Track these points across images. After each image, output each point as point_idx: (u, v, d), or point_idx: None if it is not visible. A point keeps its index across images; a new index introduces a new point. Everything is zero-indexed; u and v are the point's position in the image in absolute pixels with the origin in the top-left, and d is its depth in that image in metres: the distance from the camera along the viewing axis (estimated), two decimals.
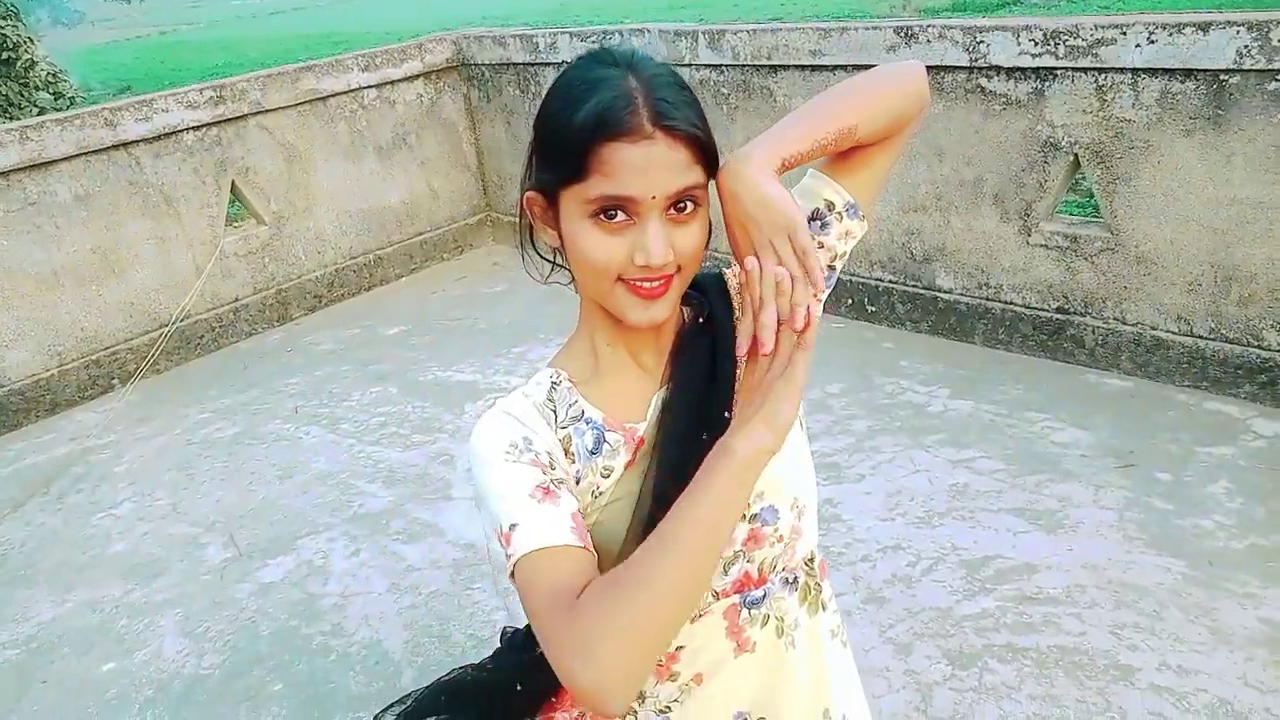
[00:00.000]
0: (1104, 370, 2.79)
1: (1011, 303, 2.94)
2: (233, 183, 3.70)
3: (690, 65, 3.42)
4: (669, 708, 0.95)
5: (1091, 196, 2.90)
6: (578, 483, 0.88)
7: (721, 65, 3.34)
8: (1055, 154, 2.69)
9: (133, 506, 2.75)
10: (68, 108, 9.78)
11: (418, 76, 4.17)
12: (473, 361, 3.37)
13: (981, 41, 2.69)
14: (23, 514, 2.79)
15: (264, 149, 3.76)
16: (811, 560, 0.99)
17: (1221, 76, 2.35)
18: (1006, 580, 2.05)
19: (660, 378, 0.94)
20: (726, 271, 0.98)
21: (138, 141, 3.43)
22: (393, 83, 4.09)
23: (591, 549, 0.81)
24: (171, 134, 3.51)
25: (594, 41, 3.72)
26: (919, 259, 3.11)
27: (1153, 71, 2.45)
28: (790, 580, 0.95)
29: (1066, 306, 2.83)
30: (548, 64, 3.97)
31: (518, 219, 0.94)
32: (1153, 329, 2.69)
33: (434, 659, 2.01)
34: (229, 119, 3.64)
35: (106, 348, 3.49)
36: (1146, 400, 2.64)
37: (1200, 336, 2.61)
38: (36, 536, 2.67)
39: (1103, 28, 2.49)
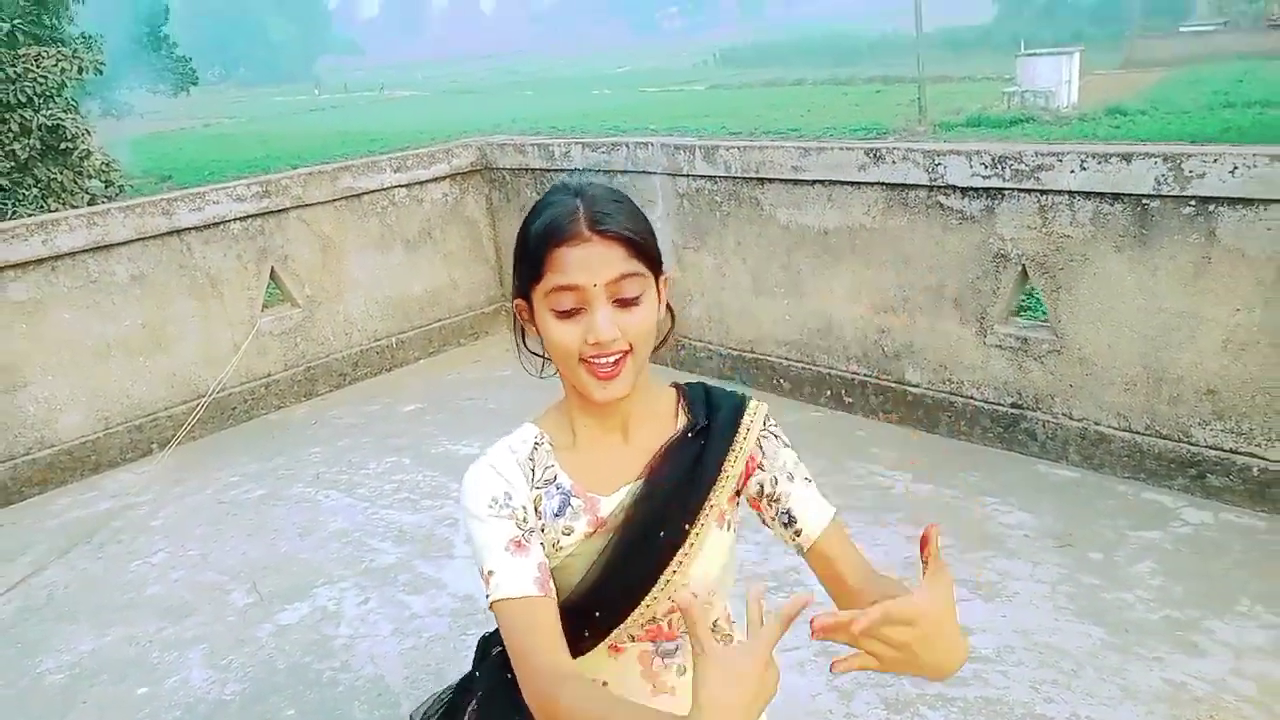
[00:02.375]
0: (1053, 461, 3.05)
1: (971, 397, 3.23)
2: (272, 268, 4.08)
3: (688, 175, 3.80)
4: None
5: (1040, 301, 3.21)
6: (542, 531, 1.07)
7: (715, 176, 3.71)
8: (1006, 264, 3.02)
9: (166, 556, 3.03)
10: (117, 194, 10.40)
11: (445, 178, 4.59)
12: (480, 437, 3.67)
13: (939, 164, 3.04)
14: (67, 560, 3.07)
15: (302, 239, 4.15)
16: (716, 623, 1.17)
17: (1144, 200, 2.69)
18: None
19: (639, 469, 1.10)
20: (752, 404, 1.15)
21: (190, 229, 3.82)
22: (422, 183, 4.51)
23: (551, 593, 1.02)
24: (220, 223, 3.90)
25: (604, 151, 4.13)
26: (890, 355, 3.41)
27: (1086, 194, 2.79)
28: (678, 638, 1.14)
29: (1020, 402, 3.11)
30: (562, 170, 4.37)
31: (512, 323, 1.14)
32: (1096, 424, 2.96)
33: (429, 692, 2.25)
34: (272, 211, 4.04)
35: (149, 414, 3.81)
36: (1090, 489, 2.90)
37: (1137, 432, 2.88)
38: (80, 580, 2.94)
39: (1042, 154, 2.84)
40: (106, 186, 9.97)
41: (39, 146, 9.41)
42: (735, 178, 3.65)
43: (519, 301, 1.09)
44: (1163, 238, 2.68)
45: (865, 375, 3.50)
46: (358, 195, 4.28)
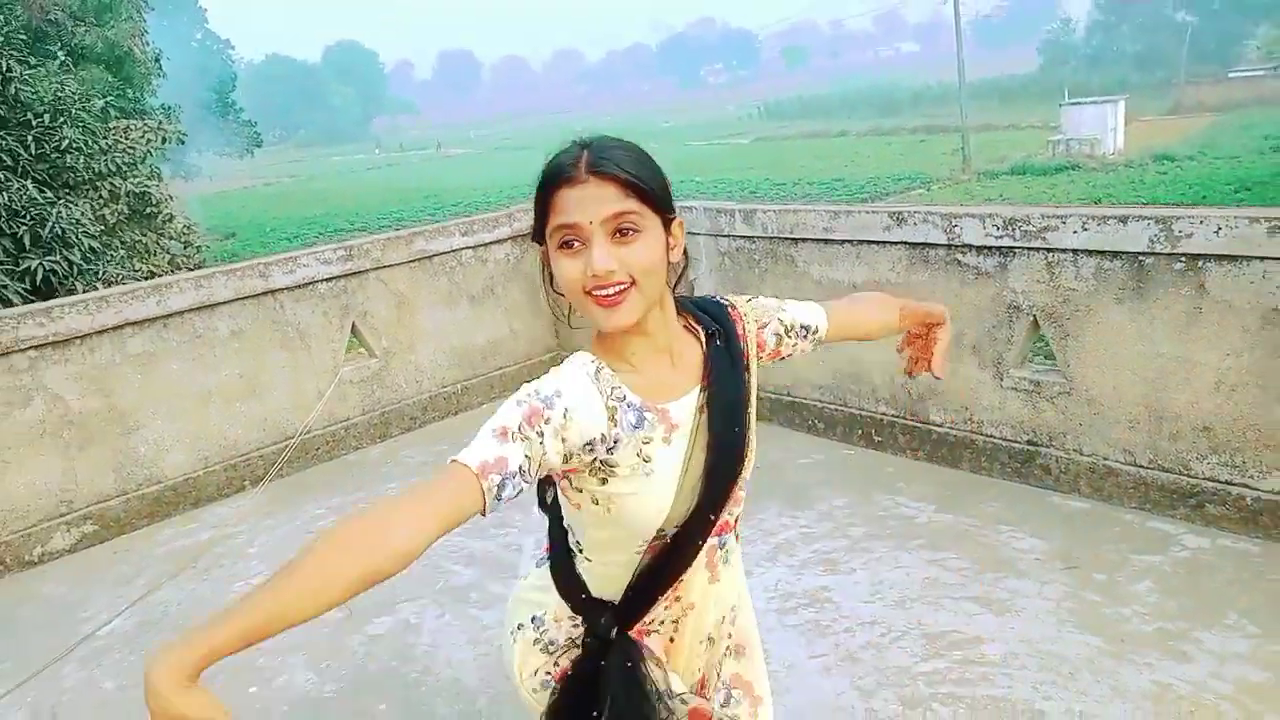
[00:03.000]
0: (1065, 493, 3.32)
1: (990, 435, 3.51)
2: (353, 323, 4.51)
3: (729, 235, 4.17)
4: (674, 635, 1.37)
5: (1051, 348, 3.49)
6: (614, 445, 1.16)
7: (754, 236, 4.08)
8: (1018, 315, 3.32)
9: (264, 578, 3.40)
10: (194, 254, 11.09)
11: (506, 239, 5.01)
12: None
13: (956, 225, 3.37)
14: (177, 583, 3.47)
15: (380, 297, 4.59)
16: (737, 516, 1.40)
17: (1140, 257, 2.98)
18: (957, 648, 2.56)
19: (692, 380, 1.24)
20: (729, 299, 1.36)
21: (283, 289, 4.27)
22: (486, 244, 4.94)
23: (488, 497, 1.07)
24: (309, 284, 4.35)
25: None
26: (915, 398, 3.71)
27: (1088, 252, 3.09)
28: (734, 529, 1.40)
29: (1034, 440, 3.39)
30: None
31: (540, 269, 1.25)
32: (1104, 459, 3.23)
33: (501, 691, 2.58)
34: (354, 272, 4.48)
35: (243, 454, 4.23)
36: (1098, 518, 3.16)
37: (1141, 466, 3.14)
38: (190, 599, 3.33)
39: (1048, 217, 3.15)
40: (185, 247, 10.65)
41: (126, 211, 10.10)
42: (772, 238, 4.01)
43: (541, 249, 1.21)
44: (1158, 290, 2.97)
45: (893, 416, 3.80)
46: (429, 257, 4.72)
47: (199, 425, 4.11)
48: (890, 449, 3.83)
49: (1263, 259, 2.73)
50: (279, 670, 2.82)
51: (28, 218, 8.07)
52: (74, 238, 8.39)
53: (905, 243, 3.53)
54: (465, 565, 3.33)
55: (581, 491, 1.24)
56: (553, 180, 1.14)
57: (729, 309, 1.37)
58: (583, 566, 1.35)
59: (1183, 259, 2.89)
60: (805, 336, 1.47)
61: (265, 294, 4.22)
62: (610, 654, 1.33)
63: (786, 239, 3.94)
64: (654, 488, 1.22)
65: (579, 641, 1.37)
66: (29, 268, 7.99)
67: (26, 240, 8.03)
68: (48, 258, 8.12)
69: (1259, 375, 2.83)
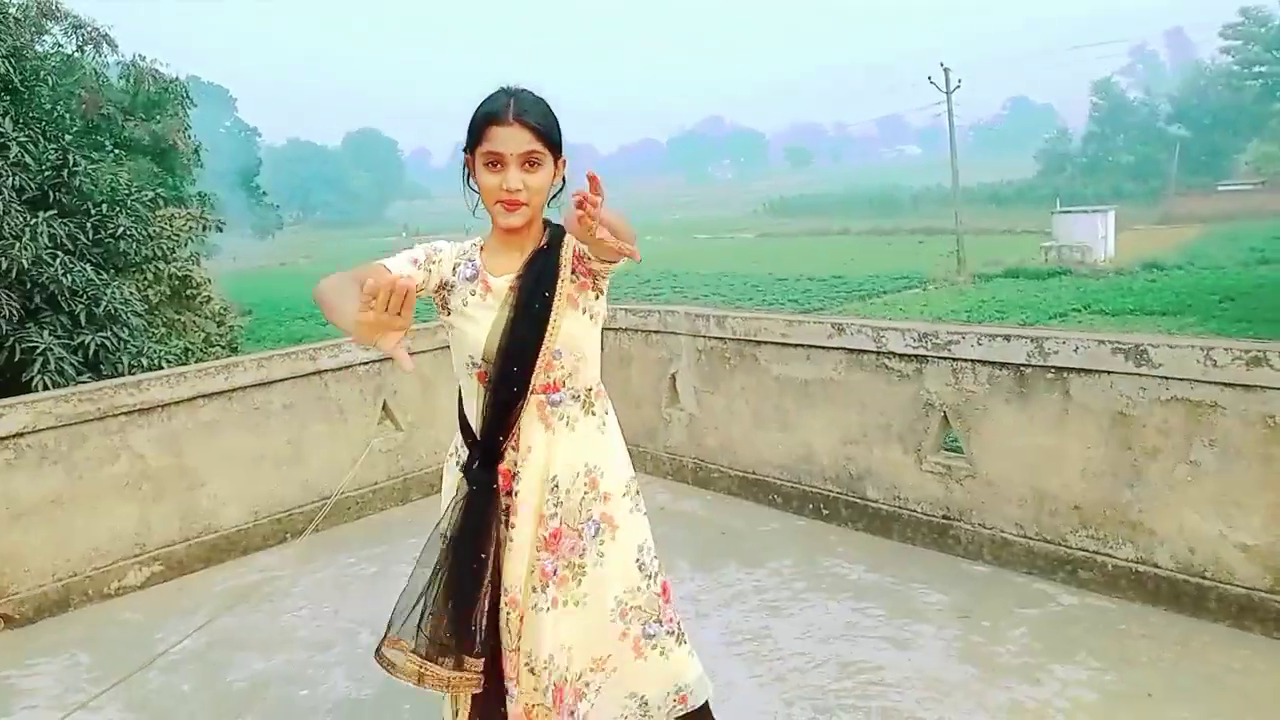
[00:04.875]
0: (972, 559, 4.02)
1: (914, 510, 4.23)
2: (384, 401, 5.28)
3: (705, 336, 4.96)
4: (517, 472, 1.96)
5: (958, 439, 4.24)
6: (450, 287, 1.94)
7: (725, 338, 4.86)
8: (932, 411, 4.08)
9: (308, 611, 4.10)
10: (229, 334, 11.95)
11: None
12: None
13: (883, 336, 4.15)
14: (233, 613, 4.15)
15: (407, 379, 5.36)
16: (590, 390, 2.02)
17: (1021, 368, 3.75)
18: (863, 673, 3.24)
19: (518, 269, 1.92)
20: (568, 236, 1.93)
21: (328, 370, 5.04)
22: None
23: (402, 275, 1.61)
24: (349, 366, 5.13)
25: (642, 315, 5.32)
26: (855, 477, 4.44)
27: (984, 362, 3.86)
28: (575, 395, 2.00)
29: (948, 514, 4.11)
30: (607, 328, 5.57)
31: (463, 173, 1.90)
32: (1001, 531, 3.94)
33: None
34: (387, 358, 5.25)
35: (286, 510, 4.95)
36: (995, 580, 3.86)
37: (1030, 537, 3.86)
38: (246, 625, 4.02)
39: (952, 333, 3.94)
40: (219, 326, 11.52)
41: (167, 292, 11.01)
42: (740, 339, 4.79)
43: (467, 155, 1.89)
44: (1035, 394, 3.73)
45: (837, 492, 4.52)
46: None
47: (251, 484, 4.84)
48: (835, 520, 4.54)
49: (1110, 373, 3.50)
50: (323, 679, 3.50)
51: (84, 297, 8.94)
52: (123, 316, 9.25)
53: (844, 348, 4.31)
54: None
55: (445, 316, 2.02)
56: (489, 118, 1.82)
57: (564, 237, 1.99)
58: (462, 398, 2.06)
59: (1052, 370, 3.66)
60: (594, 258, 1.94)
61: (313, 374, 5.00)
62: (472, 480, 1.99)
63: (751, 341, 4.72)
64: (470, 325, 1.94)
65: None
66: (83, 342, 8.83)
67: (83, 317, 8.89)
68: (99, 334, 8.96)
69: (1112, 465, 3.57)
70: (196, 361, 9.80)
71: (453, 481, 2.13)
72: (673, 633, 2.16)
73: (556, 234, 1.99)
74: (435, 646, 2.05)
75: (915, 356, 4.07)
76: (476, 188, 1.90)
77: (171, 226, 11.32)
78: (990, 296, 30.29)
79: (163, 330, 10.52)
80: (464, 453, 2.09)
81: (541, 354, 1.94)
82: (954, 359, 3.94)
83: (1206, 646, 3.24)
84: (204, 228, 11.90)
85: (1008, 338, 3.76)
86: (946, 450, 4.19)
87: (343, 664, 3.60)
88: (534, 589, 2.01)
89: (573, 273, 1.96)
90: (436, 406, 5.49)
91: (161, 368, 8.56)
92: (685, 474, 5.24)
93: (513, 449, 2.00)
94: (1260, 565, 3.27)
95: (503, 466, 2.01)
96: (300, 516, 4.98)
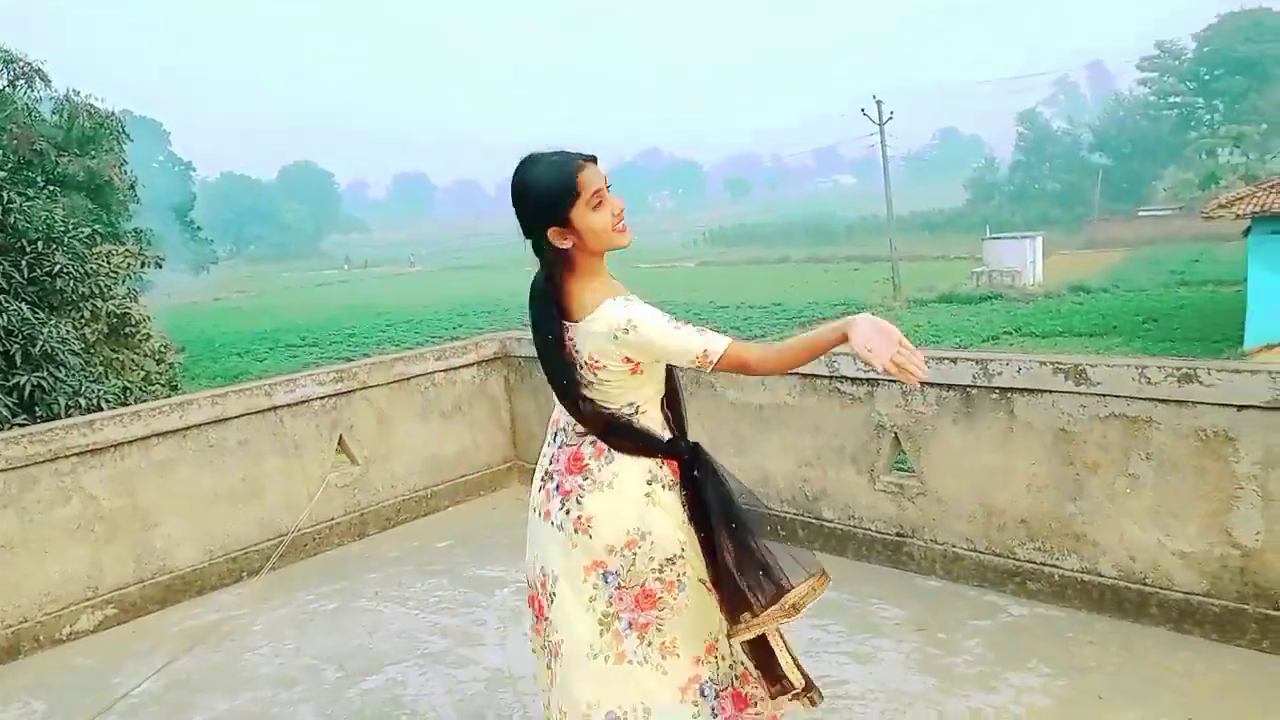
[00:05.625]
0: (925, 574, 4.15)
1: (868, 529, 4.35)
2: (340, 436, 5.27)
3: None
4: None
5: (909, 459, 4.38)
6: None
7: (680, 367, 4.95)
8: (883, 432, 4.22)
9: (269, 649, 4.06)
10: (168, 372, 11.72)
11: (473, 364, 5.85)
12: (501, 565, 4.74)
13: (835, 361, 4.28)
14: (193, 654, 4.10)
15: (364, 413, 5.36)
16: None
17: (967, 389, 3.91)
18: (827, 687, 3.29)
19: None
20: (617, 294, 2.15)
21: (284, 406, 5.02)
22: (456, 368, 5.76)
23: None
24: (305, 401, 5.11)
25: None
26: (810, 498, 4.56)
27: (932, 384, 4.01)
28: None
29: (901, 531, 4.24)
30: None
31: (541, 248, 2.07)
32: (953, 547, 4.08)
33: None
34: (343, 392, 5.26)
35: (242, 548, 4.90)
36: (948, 593, 3.99)
37: (980, 551, 4.00)
38: (207, 665, 3.97)
39: None
40: (158, 364, 11.30)
41: (105, 330, 10.78)
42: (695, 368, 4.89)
43: (553, 229, 2.00)
44: (981, 414, 3.89)
45: (793, 514, 4.63)
46: (408, 379, 5.53)
47: (206, 522, 4.79)
48: (792, 541, 4.61)
49: (1051, 392, 3.67)
50: (291, 716, 3.48)
51: (20, 337, 8.74)
52: (60, 355, 9.05)
53: (797, 374, 4.44)
54: (440, 637, 4.03)
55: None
56: (573, 169, 1.99)
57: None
58: (637, 425, 2.20)
59: (997, 391, 3.82)
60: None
61: (269, 410, 4.97)
62: (696, 459, 2.21)
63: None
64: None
65: (675, 480, 2.21)
66: (18, 383, 8.61)
67: (18, 357, 8.67)
68: (35, 374, 8.75)
69: (1055, 480, 3.74)
70: (137, 401, 9.63)
71: (669, 499, 2.24)
72: None
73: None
74: (789, 573, 2.27)
75: (866, 380, 4.21)
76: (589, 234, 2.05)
77: (109, 263, 11.12)
78: (925, 321, 31.02)
79: (100, 369, 10.29)
80: (664, 470, 2.23)
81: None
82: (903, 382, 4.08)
83: (1149, 650, 3.41)
84: (142, 264, 11.70)
85: (954, 360, 3.92)
86: (898, 470, 4.33)
87: (309, 700, 3.58)
88: None
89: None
90: (393, 441, 5.49)
91: (101, 408, 8.40)
92: None
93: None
94: (1197, 571, 3.45)
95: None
96: (256, 554, 4.94)
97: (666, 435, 2.25)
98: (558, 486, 2.22)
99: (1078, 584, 3.73)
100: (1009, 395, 3.80)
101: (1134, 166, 61.89)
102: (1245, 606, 3.35)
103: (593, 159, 2.02)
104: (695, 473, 2.18)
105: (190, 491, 4.73)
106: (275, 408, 5.01)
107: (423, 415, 5.63)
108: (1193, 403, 3.35)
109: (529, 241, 2.10)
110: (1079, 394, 3.61)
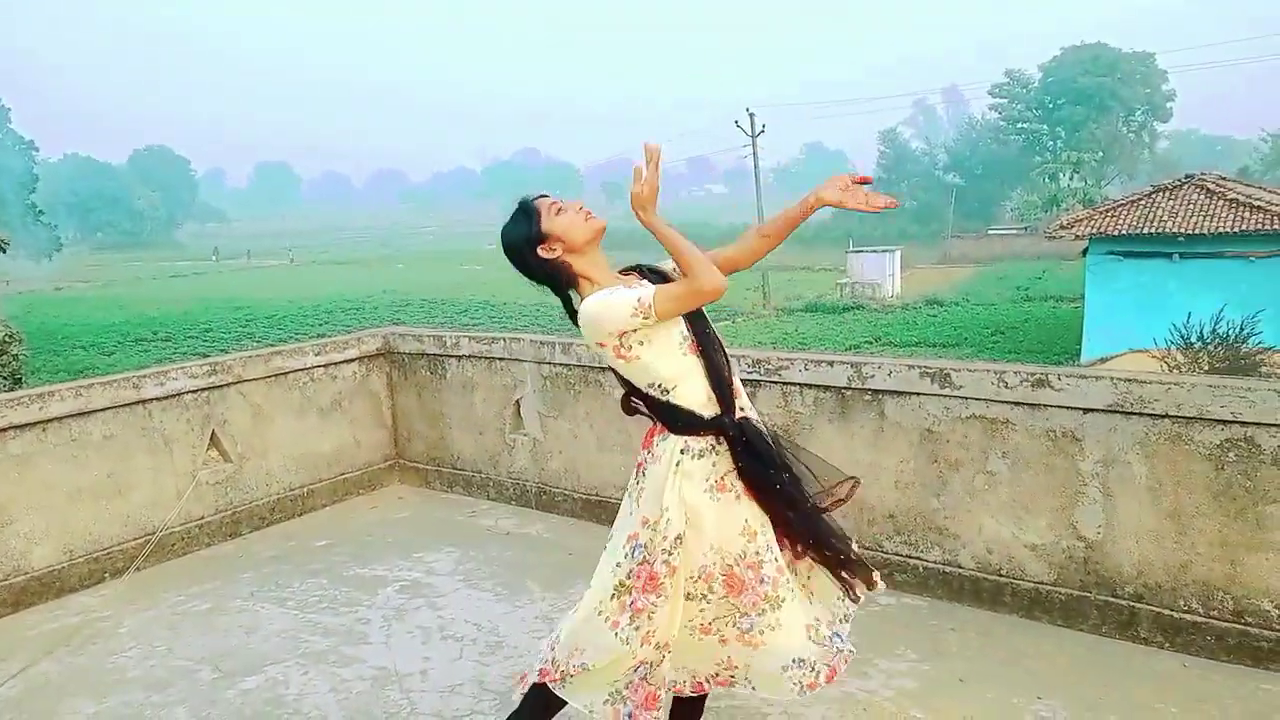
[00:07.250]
0: None
1: None
2: (213, 431, 5.10)
3: (550, 363, 5.11)
4: None
5: None
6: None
7: (570, 364, 5.03)
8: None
9: (138, 652, 3.90)
10: (12, 364, 10.97)
11: (355, 359, 5.76)
12: (383, 564, 4.70)
13: None
14: (54, 657, 3.90)
15: (239, 408, 5.20)
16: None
17: (842, 390, 4.13)
18: None
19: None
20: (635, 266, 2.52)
21: (153, 399, 4.83)
22: (336, 363, 5.66)
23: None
24: (176, 395, 4.92)
25: (486, 343, 5.41)
26: None
27: (809, 385, 4.22)
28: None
29: None
30: (450, 355, 5.61)
31: (553, 274, 2.36)
32: None
33: None
34: (217, 385, 5.09)
35: (105, 549, 4.67)
36: None
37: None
38: (70, 669, 3.78)
39: (782, 359, 4.27)
40: (0, 355, 10.57)
41: None
42: (585, 366, 4.97)
43: (540, 248, 2.32)
44: (855, 414, 4.12)
45: None
46: (286, 373, 5.39)
47: (67, 520, 4.55)
48: None
49: (918, 394, 3.92)
50: (165, 718, 3.37)
51: None
52: None
53: None
54: (322, 636, 3.97)
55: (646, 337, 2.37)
56: (529, 199, 2.37)
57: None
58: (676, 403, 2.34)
59: (870, 393, 4.05)
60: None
61: (137, 403, 4.77)
62: (744, 430, 2.34)
63: (595, 368, 4.92)
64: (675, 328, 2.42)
65: (714, 446, 2.33)
66: None
67: None
68: None
69: (921, 476, 3.99)
70: None
71: (700, 472, 2.35)
72: None
73: None
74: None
75: (750, 381, 4.38)
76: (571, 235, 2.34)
77: None
78: (794, 329, 32.03)
79: None
80: (699, 441, 2.36)
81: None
82: (784, 383, 4.28)
83: (1005, 635, 3.69)
84: None
85: (831, 364, 4.13)
86: None
87: (184, 702, 3.47)
88: None
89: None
90: (268, 436, 5.35)
91: None
92: (529, 498, 5.35)
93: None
94: (1046, 562, 3.75)
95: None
96: (121, 555, 4.72)
97: (709, 413, 2.34)
98: (640, 460, 2.46)
99: (940, 575, 4.00)
100: (880, 397, 4.03)
101: (985, 187, 65.66)
102: (1088, 594, 3.66)
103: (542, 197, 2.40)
104: (739, 448, 2.33)
105: (50, 488, 4.49)
106: (144, 401, 4.81)
107: (300, 411, 5.51)
108: (1044, 406, 3.65)
109: (548, 287, 2.45)
110: (944, 396, 3.87)
